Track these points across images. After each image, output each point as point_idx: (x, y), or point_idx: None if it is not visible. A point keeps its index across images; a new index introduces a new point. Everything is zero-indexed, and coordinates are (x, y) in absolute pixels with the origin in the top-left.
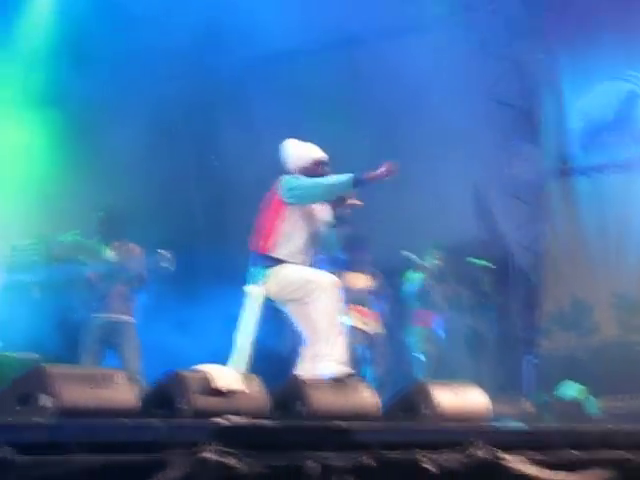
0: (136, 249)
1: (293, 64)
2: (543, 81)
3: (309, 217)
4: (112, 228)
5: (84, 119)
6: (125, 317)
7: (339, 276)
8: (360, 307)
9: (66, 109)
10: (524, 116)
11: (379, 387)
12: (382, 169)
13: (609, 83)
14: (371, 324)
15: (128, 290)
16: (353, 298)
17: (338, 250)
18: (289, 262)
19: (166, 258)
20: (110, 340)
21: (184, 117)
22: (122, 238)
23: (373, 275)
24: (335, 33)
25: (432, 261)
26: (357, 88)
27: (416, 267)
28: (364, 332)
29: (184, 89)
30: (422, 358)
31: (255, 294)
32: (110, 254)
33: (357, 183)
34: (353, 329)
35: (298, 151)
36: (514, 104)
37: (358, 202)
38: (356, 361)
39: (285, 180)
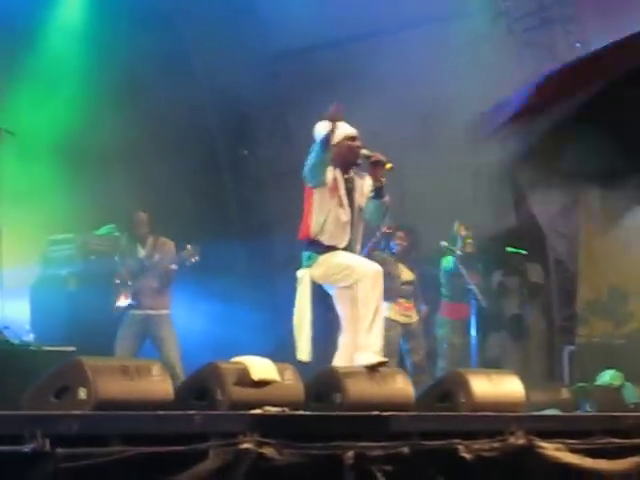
0: (167, 243)
1: (323, 56)
2: None
3: (341, 195)
4: (149, 227)
5: (114, 116)
6: (160, 311)
7: (390, 264)
8: (400, 300)
9: (99, 105)
10: None
11: (418, 375)
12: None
13: None
14: (409, 316)
15: (160, 284)
16: (396, 289)
17: (381, 220)
18: (335, 246)
19: (192, 252)
20: (147, 333)
21: (215, 111)
22: (155, 233)
23: (414, 268)
24: (368, 24)
25: (462, 245)
26: (395, 76)
27: (449, 253)
28: (402, 324)
29: (213, 85)
30: (449, 349)
31: (303, 278)
32: (142, 251)
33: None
34: (392, 321)
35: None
36: None
37: (389, 165)
38: (394, 352)
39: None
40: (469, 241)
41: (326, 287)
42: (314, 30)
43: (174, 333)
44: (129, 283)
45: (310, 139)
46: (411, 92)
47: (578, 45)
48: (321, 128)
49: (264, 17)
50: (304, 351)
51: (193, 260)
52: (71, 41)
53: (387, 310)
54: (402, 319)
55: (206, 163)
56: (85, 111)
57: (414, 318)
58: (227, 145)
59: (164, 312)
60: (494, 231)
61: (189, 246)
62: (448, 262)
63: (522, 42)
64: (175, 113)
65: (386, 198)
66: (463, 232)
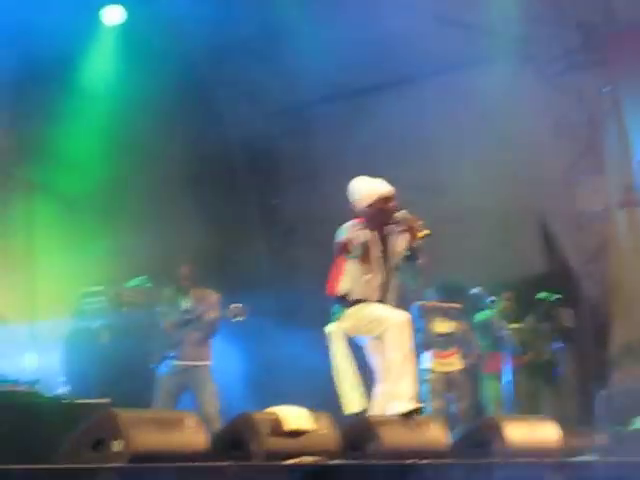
0: (213, 295)
1: (357, 102)
2: (607, 113)
3: (373, 259)
4: (192, 280)
5: (145, 169)
6: (200, 362)
7: (430, 320)
8: (440, 351)
9: (131, 158)
10: (589, 148)
11: (464, 423)
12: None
13: None
14: (451, 364)
15: (202, 336)
16: (438, 342)
17: (416, 283)
18: (365, 300)
19: (238, 311)
20: (186, 385)
21: (244, 161)
22: (199, 285)
23: (460, 320)
24: (401, 69)
25: (502, 302)
26: (424, 122)
27: (485, 305)
28: (445, 374)
29: (243, 135)
30: (492, 404)
31: (334, 331)
32: (186, 303)
33: None
34: (433, 372)
35: (364, 188)
36: (579, 136)
37: (428, 231)
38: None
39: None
40: (508, 308)
41: (357, 339)
42: (338, 79)
43: (213, 385)
44: (171, 335)
45: (340, 188)
46: (437, 139)
47: (606, 89)
48: (357, 186)
49: (290, 66)
50: (354, 402)
51: (240, 319)
52: (103, 96)
53: (426, 360)
54: (440, 368)
55: (237, 213)
56: (118, 164)
57: (455, 366)
58: (257, 195)
59: (204, 364)
60: (525, 275)
61: (240, 305)
62: (484, 315)
63: (550, 87)
64: (205, 164)
65: (421, 260)
66: (505, 300)
